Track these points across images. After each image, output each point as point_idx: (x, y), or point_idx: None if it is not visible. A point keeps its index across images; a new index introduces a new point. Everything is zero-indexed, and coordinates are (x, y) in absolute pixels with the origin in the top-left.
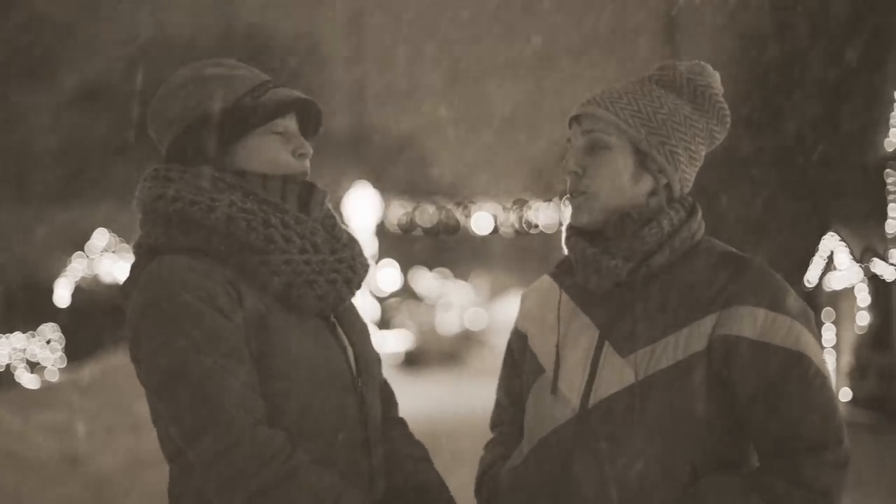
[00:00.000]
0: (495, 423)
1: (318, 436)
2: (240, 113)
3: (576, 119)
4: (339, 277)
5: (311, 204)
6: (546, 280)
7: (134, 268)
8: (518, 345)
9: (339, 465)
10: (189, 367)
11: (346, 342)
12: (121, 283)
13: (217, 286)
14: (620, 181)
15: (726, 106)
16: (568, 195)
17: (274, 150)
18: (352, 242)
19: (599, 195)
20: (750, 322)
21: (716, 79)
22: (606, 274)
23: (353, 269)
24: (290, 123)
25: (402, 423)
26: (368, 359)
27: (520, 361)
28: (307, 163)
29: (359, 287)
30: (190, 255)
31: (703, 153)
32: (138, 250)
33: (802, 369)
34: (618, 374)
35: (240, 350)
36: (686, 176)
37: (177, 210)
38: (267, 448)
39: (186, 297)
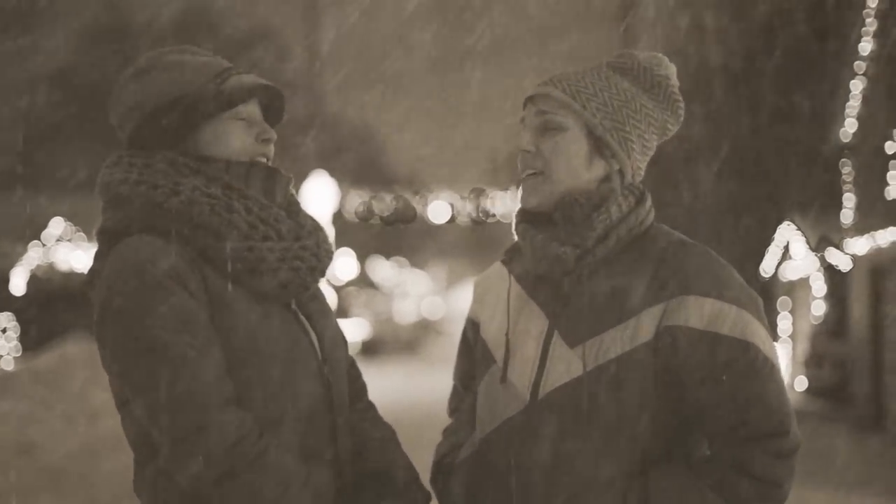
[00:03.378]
0: (453, 408)
1: (284, 421)
2: (202, 99)
3: (531, 99)
4: (302, 265)
5: (275, 190)
6: (497, 267)
7: (98, 254)
8: (472, 332)
9: (305, 450)
10: (161, 347)
11: (310, 328)
12: (77, 271)
13: (185, 267)
14: (574, 164)
15: (681, 99)
16: (520, 174)
17: (237, 136)
18: (316, 230)
19: (552, 176)
20: (697, 312)
21: (672, 71)
22: (555, 261)
23: (317, 257)
24: (253, 109)
25: (370, 405)
26: (334, 344)
27: (473, 349)
28: (271, 148)
29: (323, 274)
30: (155, 237)
31: (656, 144)
32: (102, 236)
33: (750, 358)
34: (566, 365)
35: (209, 331)
36: (638, 164)
37: (140, 194)
38: (237, 430)
39: (157, 275)
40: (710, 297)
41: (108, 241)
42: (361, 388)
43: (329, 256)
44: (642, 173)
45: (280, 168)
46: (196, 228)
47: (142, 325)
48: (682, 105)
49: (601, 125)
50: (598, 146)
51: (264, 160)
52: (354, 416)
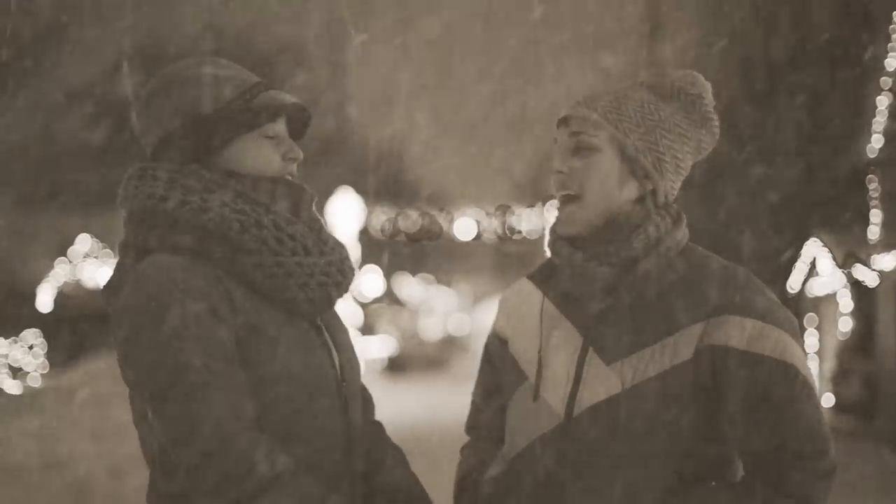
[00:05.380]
0: (471, 426)
1: (303, 440)
2: (232, 115)
3: (564, 120)
4: (329, 280)
5: (300, 206)
6: (525, 283)
7: (119, 267)
8: (497, 349)
9: (322, 469)
10: (181, 368)
11: (332, 347)
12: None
13: (210, 287)
14: (607, 185)
15: (716, 117)
16: (556, 199)
17: (264, 154)
18: (338, 246)
19: (586, 198)
20: (738, 332)
21: (707, 89)
22: (593, 280)
23: (341, 273)
24: (280, 127)
25: (379, 426)
26: (352, 364)
27: (499, 366)
28: (295, 167)
29: (347, 290)
30: (181, 254)
31: (690, 163)
32: (125, 250)
33: (790, 380)
34: (603, 383)
35: (232, 352)
36: (671, 184)
37: (167, 209)
38: (254, 454)
39: (180, 296)
40: (750, 318)
41: (131, 256)
42: (371, 409)
43: (352, 273)
44: (675, 193)
45: (305, 185)
46: (225, 245)
47: (164, 346)
48: (716, 124)
49: (634, 146)
50: (632, 167)
51: (289, 178)
52: (365, 436)
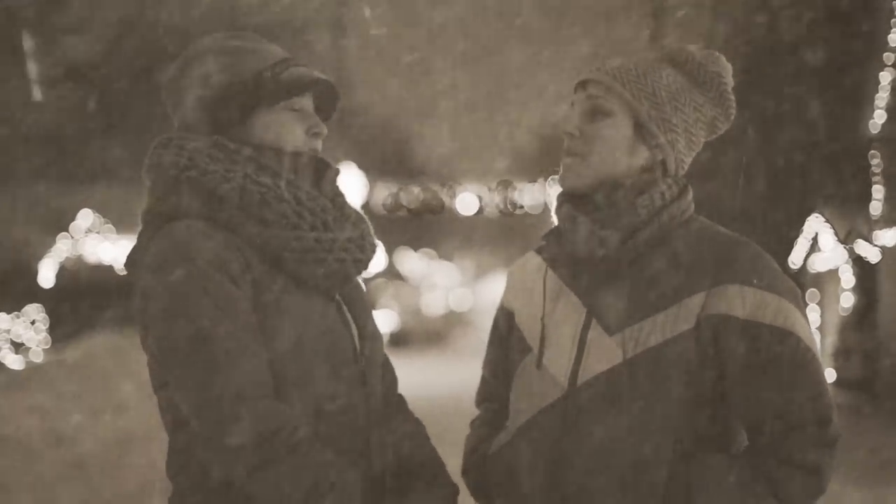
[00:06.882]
0: (481, 399)
1: (320, 412)
2: (259, 87)
3: (582, 84)
4: (348, 257)
5: (323, 181)
6: (532, 256)
7: (142, 235)
8: (504, 322)
9: (339, 441)
10: (201, 335)
11: (351, 321)
12: (105, 264)
13: (230, 254)
14: (616, 149)
15: (733, 98)
16: (563, 156)
17: (289, 127)
18: (360, 222)
19: (592, 159)
20: (739, 301)
21: (728, 70)
22: (596, 243)
23: (361, 249)
24: (307, 102)
25: (401, 400)
26: (372, 338)
27: (506, 338)
28: (319, 143)
29: (366, 267)
30: (203, 223)
31: (703, 139)
32: (147, 217)
33: (791, 348)
34: (605, 353)
35: (250, 321)
36: (682, 157)
37: (191, 178)
38: (273, 421)
39: (201, 262)
40: (751, 287)
41: (153, 224)
42: (392, 382)
43: (373, 249)
44: (686, 167)
45: (328, 160)
46: (245, 216)
47: (183, 312)
48: (733, 104)
49: (647, 113)
50: (643, 134)
51: (313, 153)
52: (386, 409)
